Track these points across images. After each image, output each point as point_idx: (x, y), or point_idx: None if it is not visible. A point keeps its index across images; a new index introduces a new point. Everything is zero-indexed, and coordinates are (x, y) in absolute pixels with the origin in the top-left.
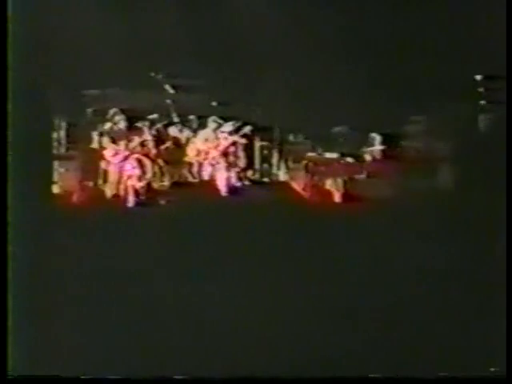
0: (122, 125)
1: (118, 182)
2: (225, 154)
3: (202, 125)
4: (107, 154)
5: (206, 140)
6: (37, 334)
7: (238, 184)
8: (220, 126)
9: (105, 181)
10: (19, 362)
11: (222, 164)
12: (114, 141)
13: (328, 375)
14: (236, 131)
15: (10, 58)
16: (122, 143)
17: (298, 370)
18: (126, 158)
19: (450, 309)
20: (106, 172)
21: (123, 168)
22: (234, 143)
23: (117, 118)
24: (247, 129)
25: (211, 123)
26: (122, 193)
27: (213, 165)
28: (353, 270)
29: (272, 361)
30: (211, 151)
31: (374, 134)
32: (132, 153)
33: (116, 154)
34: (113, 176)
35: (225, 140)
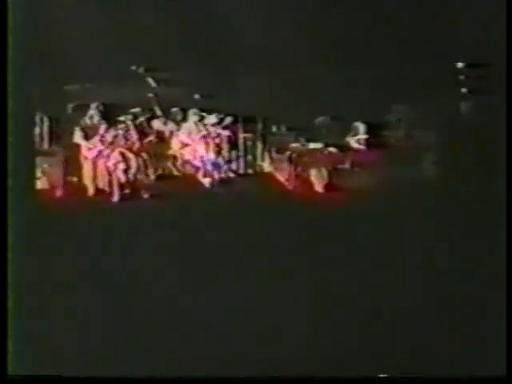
0: (104, 119)
1: (102, 177)
2: (208, 146)
3: (186, 118)
4: (89, 148)
5: (190, 133)
6: (37, 333)
7: (222, 176)
8: (203, 118)
9: (88, 175)
10: (19, 362)
11: (206, 156)
12: (95, 135)
13: (328, 375)
14: (219, 123)
15: None
16: (104, 137)
17: (297, 369)
18: (109, 153)
19: (451, 308)
20: (88, 166)
21: (107, 162)
22: (218, 135)
23: (98, 112)
24: (228, 120)
25: (193, 116)
26: (106, 187)
27: (196, 157)
28: (339, 261)
29: (272, 360)
30: (194, 144)
31: (357, 123)
32: (115, 147)
33: (98, 148)
34: (96, 170)
35: (208, 132)
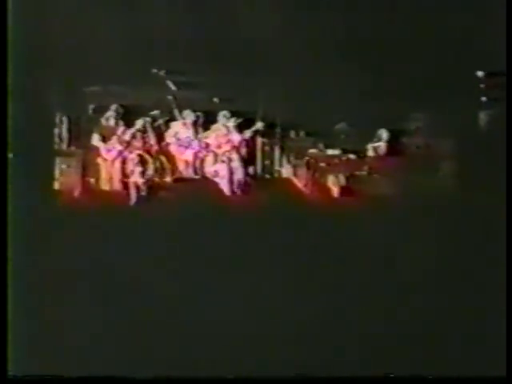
0: (123, 121)
1: (120, 178)
2: (231, 150)
3: (209, 121)
4: (107, 150)
5: (217, 135)
6: (37, 333)
7: (241, 180)
8: (227, 121)
9: (106, 177)
10: (19, 362)
11: (225, 161)
12: (113, 137)
13: (328, 375)
14: (238, 127)
15: (9, 55)
16: (122, 139)
17: (298, 369)
18: (127, 155)
19: (451, 308)
20: (106, 168)
21: (125, 164)
22: (244, 140)
23: (117, 114)
24: (260, 125)
25: (222, 119)
26: (124, 189)
27: (217, 161)
28: (353, 267)
29: (272, 361)
30: (215, 148)
31: (381, 130)
32: (133, 149)
33: (116, 150)
34: (114, 172)
35: (233, 136)
